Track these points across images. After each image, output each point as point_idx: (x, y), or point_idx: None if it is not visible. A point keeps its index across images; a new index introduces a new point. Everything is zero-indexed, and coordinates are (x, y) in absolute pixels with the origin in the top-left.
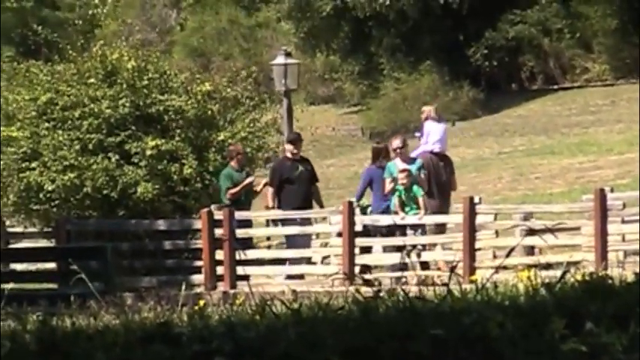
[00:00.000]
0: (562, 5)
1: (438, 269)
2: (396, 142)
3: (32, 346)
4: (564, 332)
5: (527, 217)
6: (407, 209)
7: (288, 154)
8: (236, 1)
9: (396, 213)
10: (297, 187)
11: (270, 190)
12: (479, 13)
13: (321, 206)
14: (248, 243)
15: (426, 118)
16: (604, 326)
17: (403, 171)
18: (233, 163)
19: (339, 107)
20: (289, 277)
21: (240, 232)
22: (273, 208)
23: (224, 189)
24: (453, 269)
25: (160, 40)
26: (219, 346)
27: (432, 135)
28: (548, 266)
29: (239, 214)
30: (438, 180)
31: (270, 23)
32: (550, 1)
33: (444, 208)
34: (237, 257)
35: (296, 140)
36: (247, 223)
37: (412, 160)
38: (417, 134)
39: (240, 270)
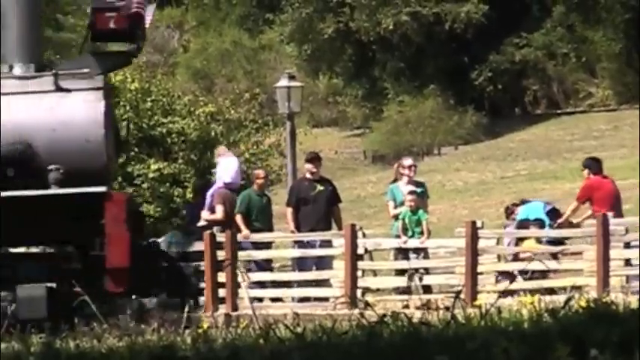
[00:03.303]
0: (567, 29)
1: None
2: (409, 161)
3: None
4: (569, 359)
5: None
6: (409, 233)
7: (307, 174)
8: (239, 23)
9: (398, 236)
10: (314, 208)
11: (289, 211)
12: (483, 36)
13: (340, 228)
14: (263, 265)
15: (219, 156)
16: (609, 352)
17: (411, 193)
18: (255, 187)
19: (342, 130)
20: (299, 300)
21: (243, 255)
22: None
23: (236, 211)
24: (457, 294)
25: (163, 61)
26: None
27: (225, 170)
28: (551, 291)
29: (256, 237)
30: (232, 214)
31: (273, 45)
32: (555, 25)
33: None
34: (240, 280)
35: (314, 159)
36: (268, 245)
37: (417, 184)
38: (214, 171)
39: (245, 292)
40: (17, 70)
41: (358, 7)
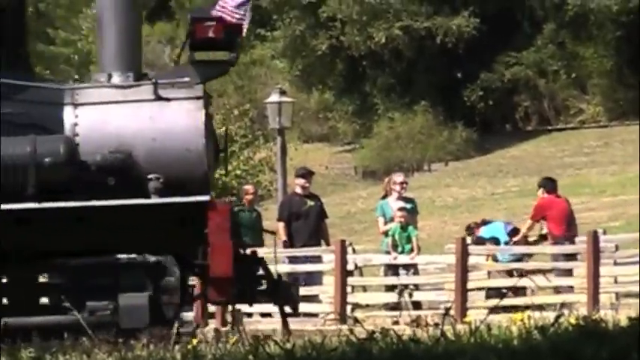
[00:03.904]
0: (558, 46)
1: None
2: (400, 177)
3: None
4: None
5: (520, 258)
6: (399, 249)
7: (298, 189)
8: None
9: (388, 252)
10: (306, 223)
11: (280, 225)
12: (474, 53)
13: (328, 244)
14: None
15: None
16: None
17: (401, 209)
18: (244, 202)
19: (332, 146)
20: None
21: None
22: (286, 243)
23: None
24: (447, 311)
25: None
26: None
27: None
28: (540, 308)
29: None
30: None
31: (264, 61)
32: (546, 41)
33: None
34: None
35: (307, 175)
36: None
37: (407, 200)
38: None
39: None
40: (116, 79)
41: (349, 22)
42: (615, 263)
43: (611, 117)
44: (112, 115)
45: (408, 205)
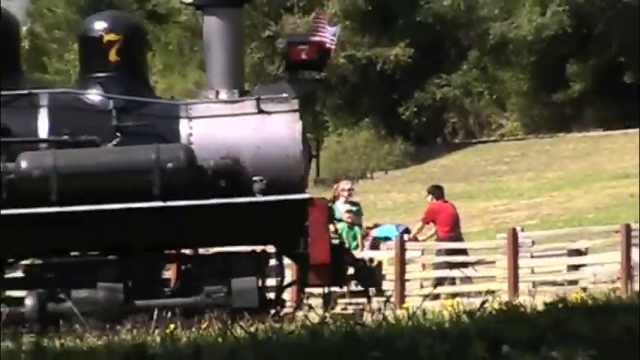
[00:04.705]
0: (481, 70)
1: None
2: (348, 185)
3: None
4: (485, 355)
5: (449, 252)
6: (346, 246)
7: None
8: (200, 66)
9: None
10: None
11: None
12: (410, 77)
13: None
14: None
15: None
16: (519, 349)
17: (348, 212)
18: None
19: None
20: None
21: None
22: None
23: None
24: (388, 298)
25: None
26: None
27: None
28: (467, 295)
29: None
30: None
31: None
32: (471, 66)
33: None
34: None
35: None
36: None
37: (352, 203)
38: None
39: None
40: (223, 95)
41: None
42: (532, 256)
43: (527, 131)
44: (221, 127)
45: (354, 208)
